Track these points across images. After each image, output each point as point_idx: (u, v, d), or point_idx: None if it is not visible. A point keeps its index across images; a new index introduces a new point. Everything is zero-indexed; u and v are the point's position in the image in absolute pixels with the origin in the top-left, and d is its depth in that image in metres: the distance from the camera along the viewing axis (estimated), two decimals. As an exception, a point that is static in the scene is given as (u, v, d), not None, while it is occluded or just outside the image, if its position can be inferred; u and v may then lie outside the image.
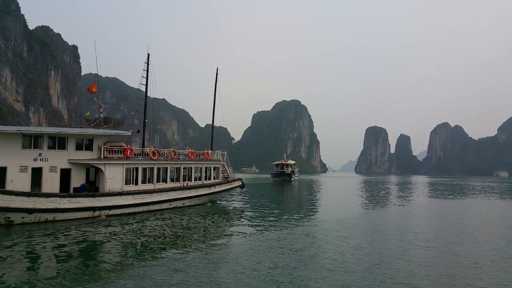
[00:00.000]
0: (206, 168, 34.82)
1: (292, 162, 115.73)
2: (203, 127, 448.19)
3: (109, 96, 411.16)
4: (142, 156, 29.04)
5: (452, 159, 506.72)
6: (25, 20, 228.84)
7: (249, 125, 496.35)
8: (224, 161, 37.96)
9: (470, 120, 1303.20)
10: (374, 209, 36.16)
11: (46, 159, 23.08)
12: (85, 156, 25.18)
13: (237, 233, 20.93)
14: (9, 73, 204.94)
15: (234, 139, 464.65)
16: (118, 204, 25.23)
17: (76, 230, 20.21)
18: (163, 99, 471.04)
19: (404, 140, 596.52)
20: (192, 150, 34.00)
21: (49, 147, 23.39)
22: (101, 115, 29.90)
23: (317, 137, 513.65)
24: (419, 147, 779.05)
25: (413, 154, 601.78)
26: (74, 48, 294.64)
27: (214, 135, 42.30)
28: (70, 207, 22.50)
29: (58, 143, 23.77)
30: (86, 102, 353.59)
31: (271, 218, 27.16)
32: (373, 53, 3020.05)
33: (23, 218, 20.86)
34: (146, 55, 36.56)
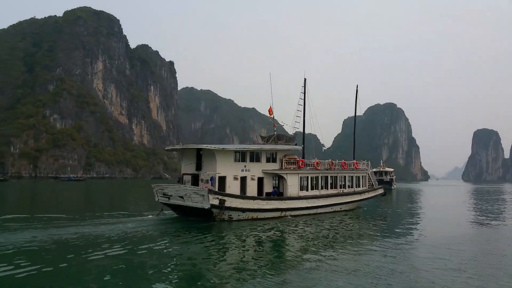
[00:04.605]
0: (356, 176, 38.12)
1: (391, 169, 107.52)
2: (293, 134, 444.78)
3: (203, 107, 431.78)
4: (309, 166, 33.11)
5: None
6: (127, 40, 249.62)
7: (340, 131, 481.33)
8: (369, 170, 40.94)
9: None
10: (487, 226, 28.73)
11: (249, 170, 28.79)
12: (272, 167, 30.52)
13: (383, 238, 21.65)
14: (114, 90, 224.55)
15: (324, 146, 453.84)
16: (297, 206, 30.06)
17: (272, 226, 24.51)
18: (253, 108, 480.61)
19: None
20: (344, 161, 37.10)
21: (250, 160, 29.08)
22: (275, 132, 35.02)
23: (417, 142, 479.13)
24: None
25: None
26: (171, 63, 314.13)
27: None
28: (267, 208, 27.83)
29: (255, 157, 29.48)
30: (182, 114, 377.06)
31: (408, 225, 27.84)
32: (479, 45, 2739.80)
33: (238, 215, 26.28)
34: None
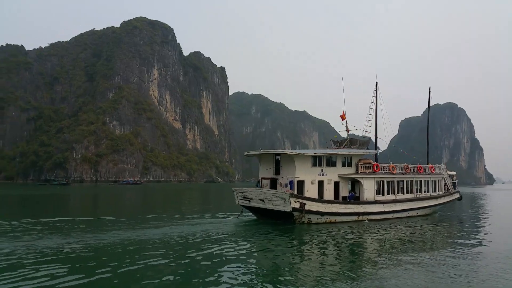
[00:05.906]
0: (432, 181, 37.46)
1: (453, 172, 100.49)
2: (345, 137, 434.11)
3: (254, 111, 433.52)
4: (384, 170, 33.03)
5: None
6: (181, 48, 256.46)
7: (396, 133, 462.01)
8: (445, 174, 40.28)
9: None
10: None
11: (325, 174, 29.36)
12: (347, 171, 30.87)
13: (459, 245, 20.72)
14: (169, 96, 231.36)
15: (379, 149, 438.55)
16: (374, 211, 30.14)
17: (349, 230, 24.70)
18: (304, 111, 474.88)
19: None
20: (420, 165, 36.55)
21: (327, 165, 29.61)
22: (347, 137, 35.01)
23: (480, 143, 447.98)
24: None
25: None
26: (222, 69, 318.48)
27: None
28: (345, 211, 28.16)
29: (331, 161, 30.02)
30: (234, 119, 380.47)
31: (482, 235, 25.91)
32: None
33: (317, 218, 26.97)
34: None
